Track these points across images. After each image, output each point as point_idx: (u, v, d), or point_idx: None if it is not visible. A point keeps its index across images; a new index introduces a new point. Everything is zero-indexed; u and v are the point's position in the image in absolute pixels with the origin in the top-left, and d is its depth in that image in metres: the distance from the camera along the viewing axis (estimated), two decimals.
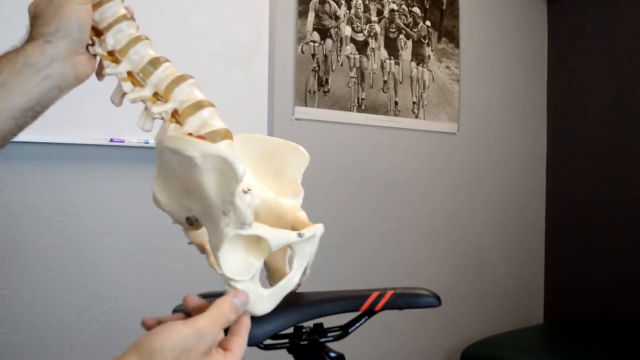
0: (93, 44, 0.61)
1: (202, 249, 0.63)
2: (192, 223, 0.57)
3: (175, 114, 0.58)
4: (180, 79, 0.58)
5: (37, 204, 1.46)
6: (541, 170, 2.78)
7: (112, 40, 0.61)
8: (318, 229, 0.55)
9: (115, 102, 0.64)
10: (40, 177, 1.47)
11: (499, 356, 2.09)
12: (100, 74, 0.64)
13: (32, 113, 0.59)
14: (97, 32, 0.62)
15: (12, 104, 0.57)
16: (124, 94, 0.62)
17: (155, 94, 0.60)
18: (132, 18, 0.64)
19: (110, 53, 0.61)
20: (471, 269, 2.47)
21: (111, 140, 1.52)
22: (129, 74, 0.61)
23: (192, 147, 0.52)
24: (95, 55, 0.62)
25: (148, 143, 1.56)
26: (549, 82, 2.78)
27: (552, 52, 2.77)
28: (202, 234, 0.62)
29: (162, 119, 0.59)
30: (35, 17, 0.58)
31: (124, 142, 1.54)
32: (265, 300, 0.55)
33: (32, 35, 0.58)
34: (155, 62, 0.60)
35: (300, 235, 0.54)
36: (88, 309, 1.53)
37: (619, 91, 2.50)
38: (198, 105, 0.57)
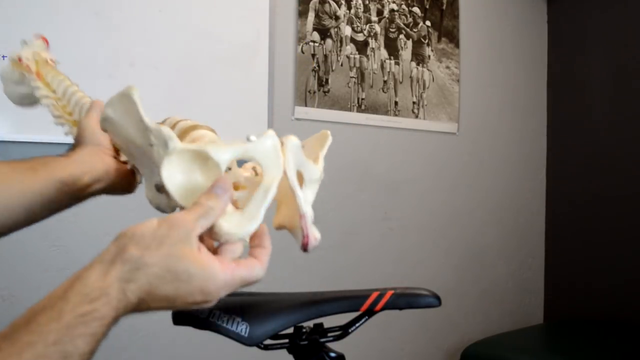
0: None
1: None
2: (159, 189, 0.54)
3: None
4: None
5: None
6: (541, 170, 2.78)
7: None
8: (269, 135, 0.50)
9: None
10: None
11: (499, 356, 2.09)
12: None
13: (44, 212, 0.66)
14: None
15: (24, 195, 0.61)
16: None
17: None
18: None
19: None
20: (471, 268, 2.47)
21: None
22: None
23: (106, 108, 0.54)
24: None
25: None
26: (549, 82, 2.78)
27: (552, 52, 2.77)
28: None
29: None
30: None
31: None
32: (248, 216, 0.48)
33: (79, 145, 0.66)
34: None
35: (248, 138, 0.49)
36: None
37: (619, 91, 2.50)
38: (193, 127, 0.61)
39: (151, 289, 0.42)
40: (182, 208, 0.49)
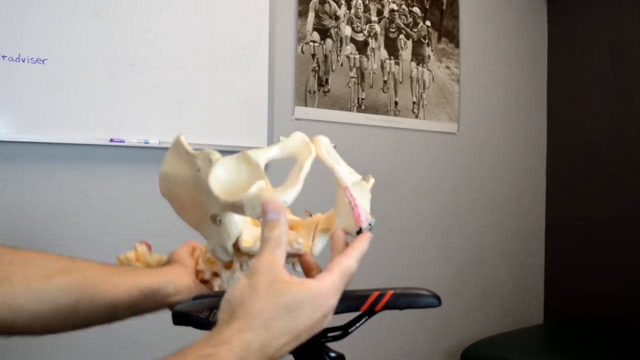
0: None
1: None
2: (214, 220, 0.58)
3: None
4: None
5: (37, 204, 1.46)
6: (541, 170, 2.78)
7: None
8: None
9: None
10: (40, 177, 1.47)
11: (499, 356, 2.09)
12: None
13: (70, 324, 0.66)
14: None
15: (52, 300, 0.63)
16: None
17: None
18: None
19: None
20: (471, 268, 2.47)
21: (111, 140, 1.52)
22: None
23: (161, 167, 0.59)
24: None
25: (148, 143, 1.56)
26: (549, 82, 2.78)
27: (552, 52, 2.77)
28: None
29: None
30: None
31: (124, 142, 1.53)
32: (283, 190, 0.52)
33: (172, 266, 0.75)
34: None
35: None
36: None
37: (619, 91, 2.50)
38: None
39: (269, 330, 0.45)
40: (233, 207, 0.53)
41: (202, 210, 0.57)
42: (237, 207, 0.51)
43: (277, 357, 0.46)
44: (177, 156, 0.57)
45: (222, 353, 0.42)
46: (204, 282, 0.75)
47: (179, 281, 0.70)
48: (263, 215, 0.49)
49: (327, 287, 0.48)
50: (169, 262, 0.77)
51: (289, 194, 0.51)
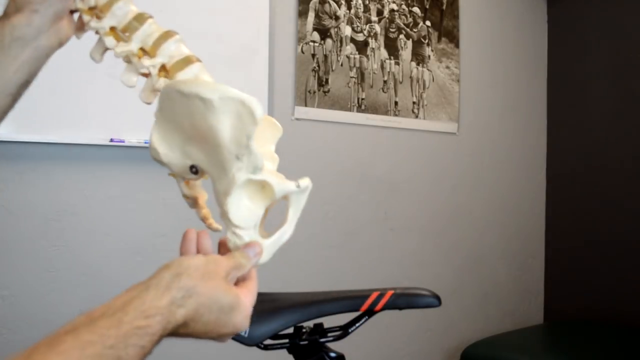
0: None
1: (194, 203, 0.64)
2: (196, 172, 0.57)
3: (162, 68, 0.59)
4: (167, 35, 0.59)
5: (37, 204, 1.46)
6: (541, 170, 2.78)
7: None
8: (309, 181, 0.57)
9: (96, 58, 0.64)
10: (40, 177, 1.47)
11: (499, 356, 2.09)
12: (80, 29, 0.63)
13: (26, 85, 0.60)
14: None
15: (7, 81, 0.57)
16: (106, 49, 0.62)
17: (141, 49, 0.60)
18: None
19: (91, 9, 0.61)
20: (471, 268, 2.47)
21: (111, 140, 1.52)
22: (112, 29, 0.61)
23: (211, 89, 0.53)
24: (72, 13, 0.61)
25: (148, 143, 1.56)
26: (549, 82, 2.78)
27: (552, 52, 2.77)
28: (197, 187, 0.63)
29: (149, 73, 0.60)
30: None
31: (124, 142, 1.54)
32: (265, 249, 0.56)
33: (18, 6, 0.56)
34: (140, 18, 0.60)
35: (298, 185, 0.55)
36: (88, 309, 1.53)
37: (619, 91, 2.50)
38: (187, 60, 0.58)
39: (196, 315, 0.48)
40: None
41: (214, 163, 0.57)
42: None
43: (181, 335, 0.48)
44: (238, 115, 0.53)
45: (153, 326, 0.44)
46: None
47: (51, 47, 0.59)
48: (246, 247, 0.55)
49: (248, 305, 0.53)
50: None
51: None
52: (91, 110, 1.48)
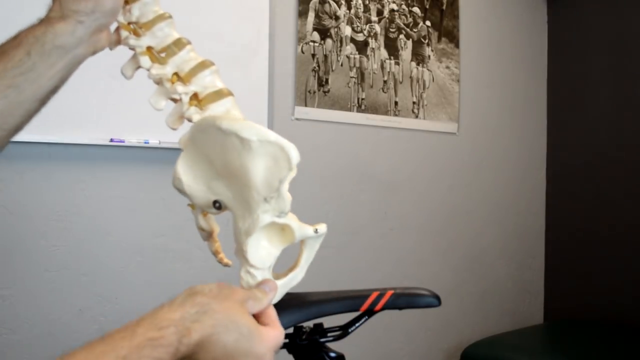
0: None
1: (209, 236, 0.64)
2: (219, 207, 0.58)
3: (194, 97, 0.59)
4: (203, 65, 0.60)
5: (37, 204, 1.46)
6: (541, 170, 2.78)
7: (137, 12, 0.61)
8: (325, 227, 0.58)
9: (128, 74, 0.64)
10: (40, 177, 1.47)
11: (499, 356, 2.09)
12: (116, 43, 0.63)
13: (55, 91, 0.60)
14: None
15: (40, 87, 0.57)
16: (138, 67, 0.63)
17: (175, 74, 0.60)
18: None
19: (130, 24, 0.61)
20: (471, 268, 2.47)
21: (111, 140, 1.52)
22: (149, 49, 0.62)
23: (251, 131, 0.53)
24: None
25: (148, 143, 1.56)
26: (549, 82, 2.78)
27: (552, 52, 2.77)
28: (212, 220, 0.63)
29: (180, 100, 0.60)
30: None
31: (124, 142, 1.54)
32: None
33: (64, 13, 0.55)
34: (179, 44, 0.61)
35: (316, 231, 0.56)
36: (88, 309, 1.53)
37: (619, 91, 2.50)
38: (221, 94, 0.59)
39: (213, 334, 0.46)
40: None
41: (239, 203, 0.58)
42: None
43: (192, 357, 0.46)
44: (274, 157, 0.54)
45: (167, 337, 0.44)
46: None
47: (85, 57, 0.60)
48: (261, 283, 0.55)
49: (272, 338, 0.51)
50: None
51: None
52: (91, 110, 1.48)
